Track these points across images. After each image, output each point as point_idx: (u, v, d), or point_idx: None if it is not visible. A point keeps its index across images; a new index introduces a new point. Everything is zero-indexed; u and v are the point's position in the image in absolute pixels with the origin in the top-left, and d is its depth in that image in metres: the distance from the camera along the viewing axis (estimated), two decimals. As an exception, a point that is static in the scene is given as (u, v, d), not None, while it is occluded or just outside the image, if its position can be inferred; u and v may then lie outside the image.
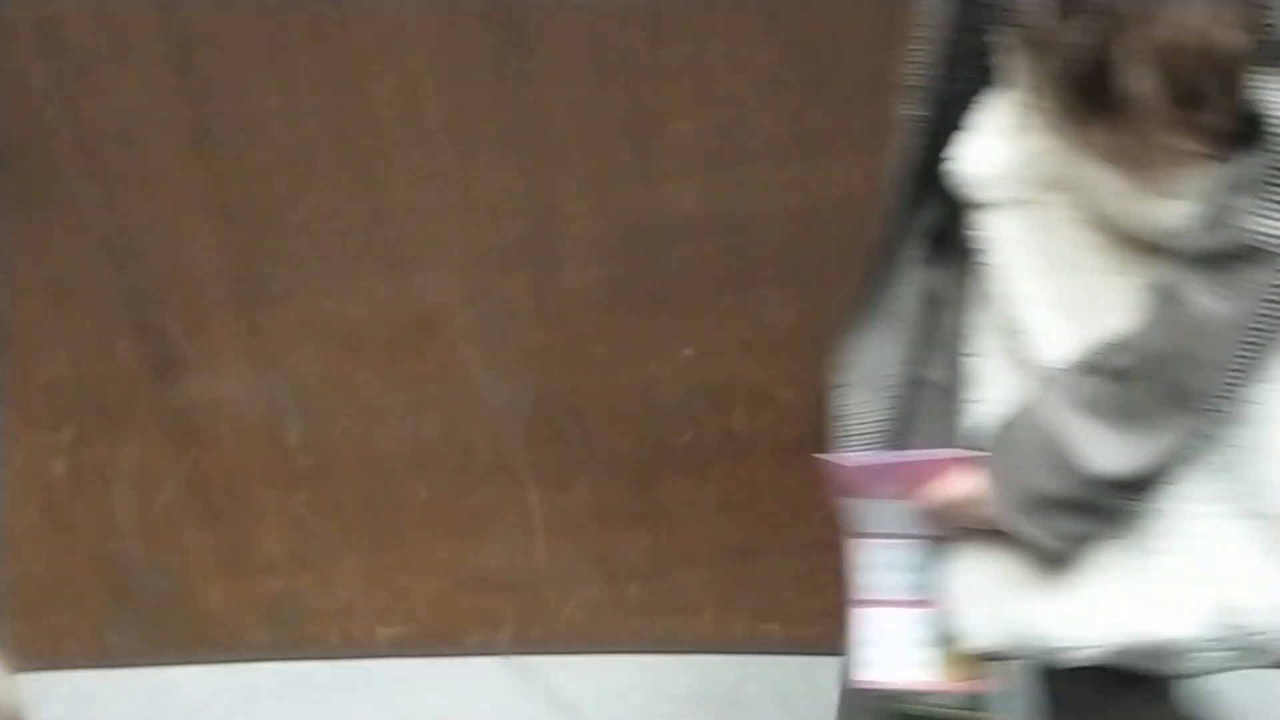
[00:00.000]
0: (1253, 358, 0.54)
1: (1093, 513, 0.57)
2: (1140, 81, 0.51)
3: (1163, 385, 0.56)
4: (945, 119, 0.60)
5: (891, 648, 0.65)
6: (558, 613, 0.97)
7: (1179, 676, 0.59)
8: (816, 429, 0.83)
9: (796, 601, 0.94)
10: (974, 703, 0.64)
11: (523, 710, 0.96)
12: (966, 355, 0.62)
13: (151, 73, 0.83)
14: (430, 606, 0.99)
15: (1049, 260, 0.59)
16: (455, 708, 0.97)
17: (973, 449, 0.59)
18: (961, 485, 0.60)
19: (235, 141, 0.85)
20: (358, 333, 0.89)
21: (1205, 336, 0.54)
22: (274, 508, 0.99)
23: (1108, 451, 0.57)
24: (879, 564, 0.66)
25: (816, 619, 0.92)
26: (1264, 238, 0.52)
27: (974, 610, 0.61)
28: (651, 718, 0.94)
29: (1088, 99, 0.53)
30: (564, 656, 0.99)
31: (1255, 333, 0.54)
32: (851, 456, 0.65)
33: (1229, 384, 0.55)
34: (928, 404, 0.66)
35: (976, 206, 0.59)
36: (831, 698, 0.71)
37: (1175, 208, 0.54)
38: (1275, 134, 0.51)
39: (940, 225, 0.64)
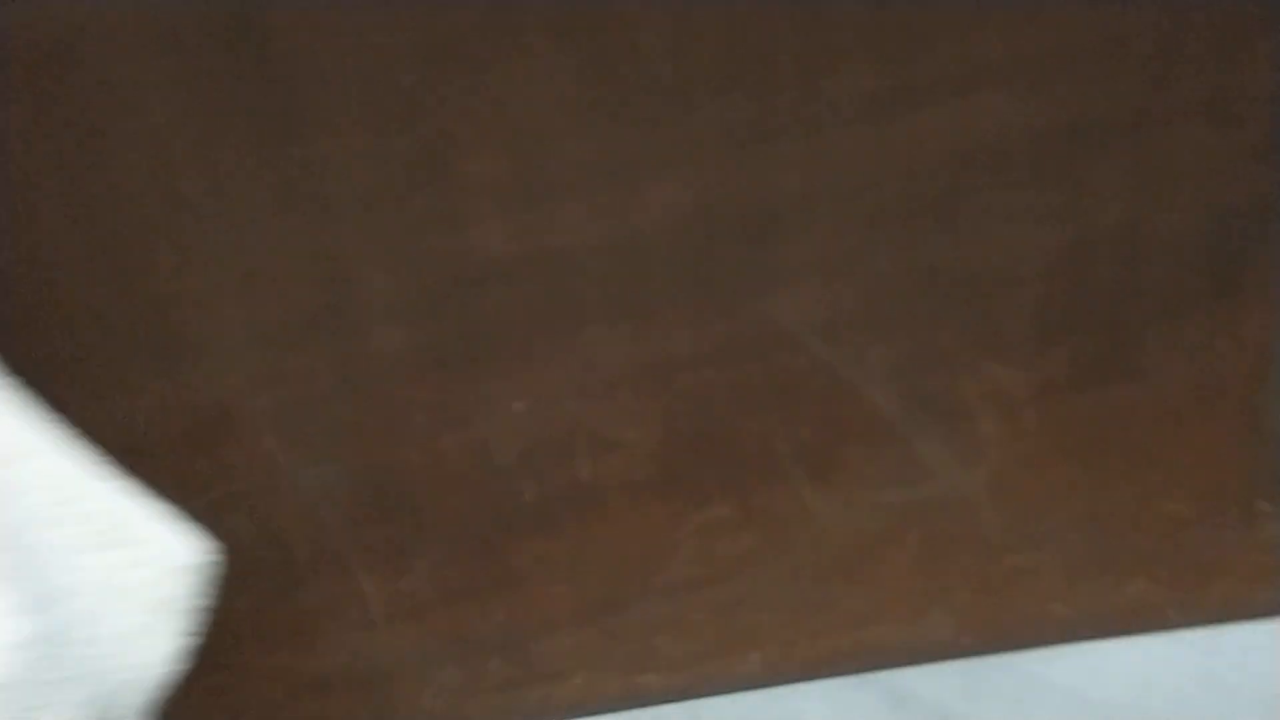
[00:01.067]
0: None
1: None
2: None
3: None
4: None
5: None
6: (415, 704, 0.89)
7: None
8: (668, 466, 0.79)
9: (672, 647, 0.89)
10: None
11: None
12: None
13: None
14: (270, 721, 0.92)
15: None
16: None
17: None
18: None
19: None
20: (138, 438, 0.78)
21: None
22: (72, 644, 0.88)
23: None
24: None
25: (695, 662, 0.89)
26: None
27: None
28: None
29: None
30: (428, 747, 0.92)
31: None
32: None
33: None
34: None
35: None
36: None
37: None
38: None
39: None
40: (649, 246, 0.73)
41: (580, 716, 0.89)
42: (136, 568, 0.51)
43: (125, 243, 0.74)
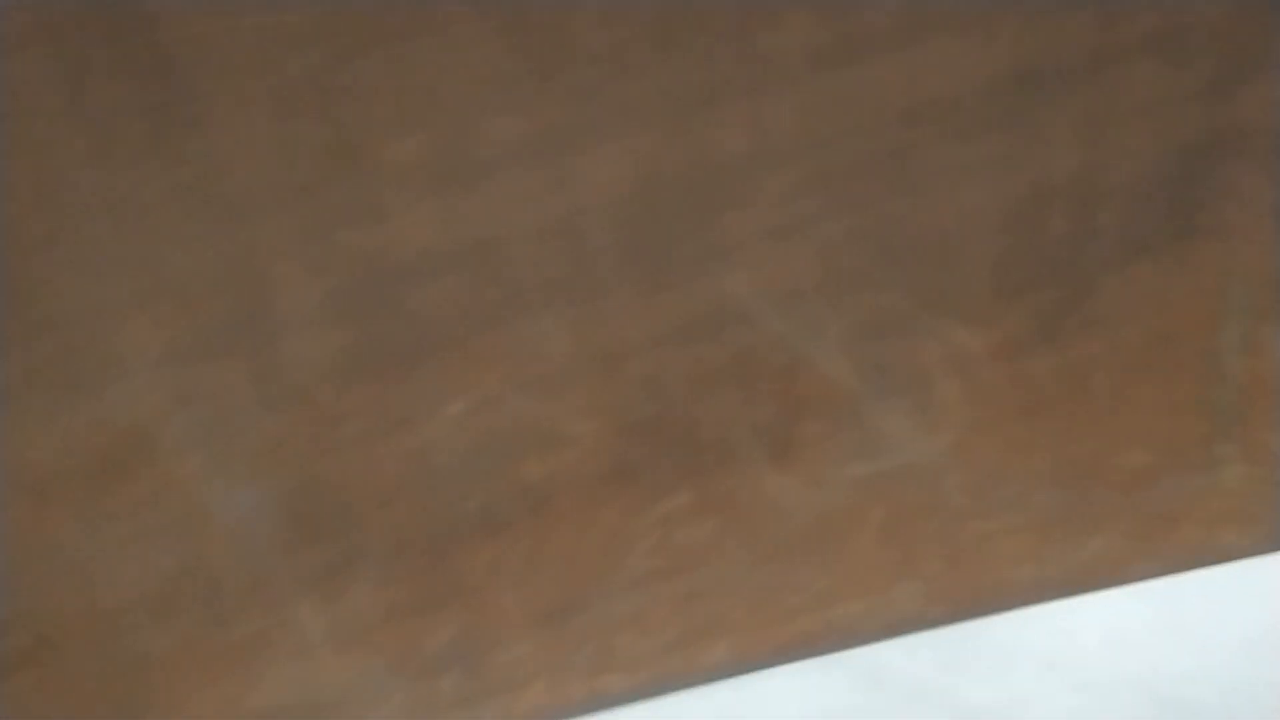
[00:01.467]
0: None
1: None
2: None
3: None
4: None
5: None
6: (365, 730, 0.85)
7: None
8: (621, 458, 0.76)
9: (634, 644, 0.85)
10: None
11: None
12: None
13: None
14: (210, 762, 0.86)
15: None
16: None
17: None
18: None
19: None
20: (44, 472, 0.72)
21: None
22: (-15, 700, 0.82)
23: None
24: None
25: (660, 658, 0.86)
26: None
27: None
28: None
29: None
30: (382, 773, 0.88)
31: None
32: None
33: None
34: None
35: None
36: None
37: None
38: None
39: None
40: (588, 226, 0.69)
41: (542, 726, 0.85)
42: None
43: (13, 260, 0.68)
